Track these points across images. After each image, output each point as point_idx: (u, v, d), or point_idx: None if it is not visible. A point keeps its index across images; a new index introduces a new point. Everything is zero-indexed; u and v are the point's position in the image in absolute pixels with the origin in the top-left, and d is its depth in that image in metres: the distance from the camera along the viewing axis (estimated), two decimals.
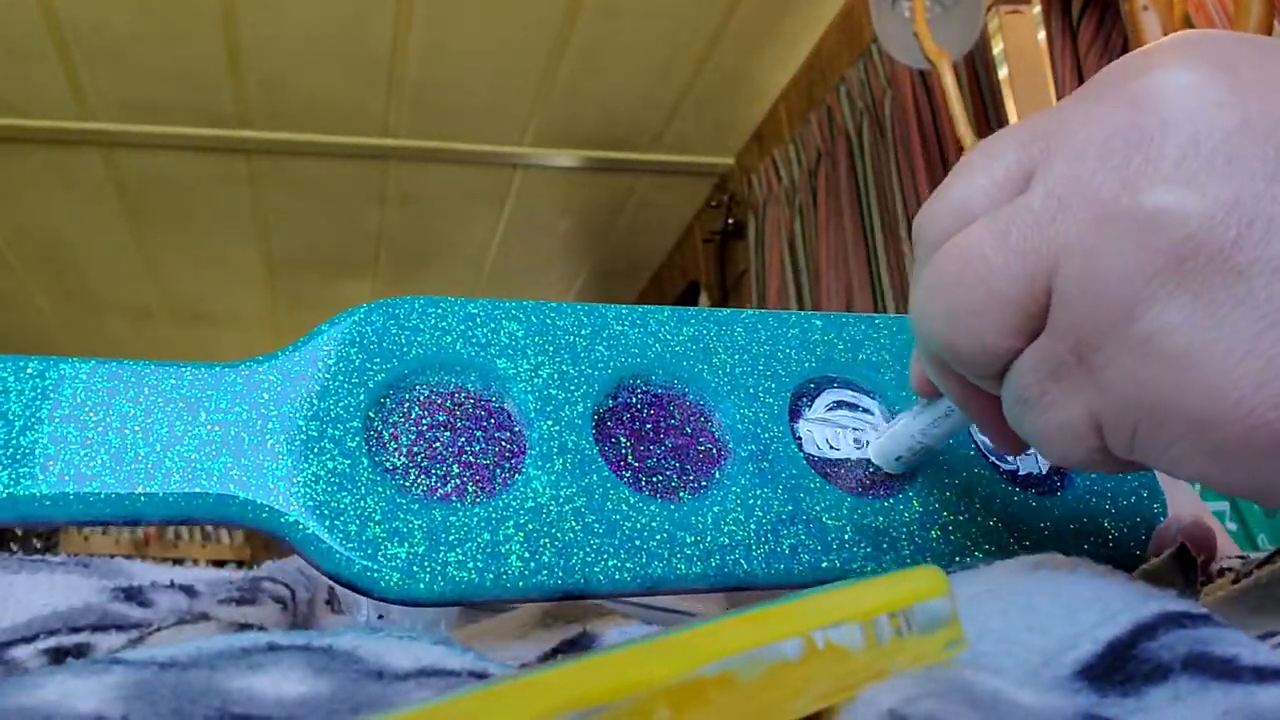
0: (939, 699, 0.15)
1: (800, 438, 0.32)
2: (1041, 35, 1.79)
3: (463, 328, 0.30)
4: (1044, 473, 0.34)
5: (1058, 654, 0.18)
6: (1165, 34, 1.35)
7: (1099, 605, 0.19)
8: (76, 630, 0.26)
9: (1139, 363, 0.20)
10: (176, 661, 0.17)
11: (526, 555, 0.27)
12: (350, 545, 0.26)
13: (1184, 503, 0.37)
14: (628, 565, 0.27)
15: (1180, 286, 0.20)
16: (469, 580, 0.26)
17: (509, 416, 0.29)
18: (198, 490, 0.26)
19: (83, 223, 3.10)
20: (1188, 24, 1.43)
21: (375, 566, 0.26)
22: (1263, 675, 0.16)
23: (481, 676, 0.18)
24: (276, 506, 0.26)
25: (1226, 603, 0.27)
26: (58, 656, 0.25)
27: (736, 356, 0.32)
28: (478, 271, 3.34)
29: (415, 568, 0.26)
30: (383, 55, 2.38)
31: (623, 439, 0.30)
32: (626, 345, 0.31)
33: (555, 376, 0.30)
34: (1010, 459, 0.34)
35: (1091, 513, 0.33)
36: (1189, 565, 0.29)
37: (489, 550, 0.26)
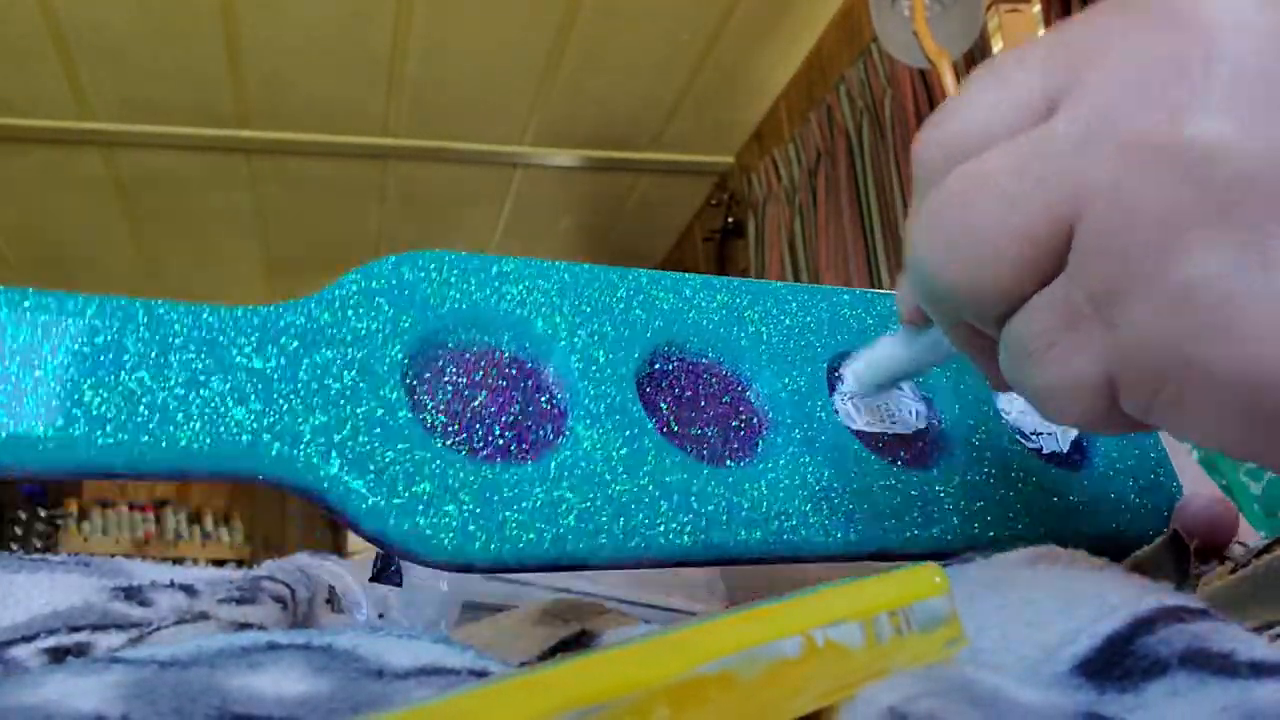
0: (939, 697, 0.15)
1: (836, 410, 0.31)
2: (1041, 33, 1.79)
3: (496, 284, 0.28)
4: (1065, 450, 0.34)
5: (1056, 649, 0.18)
6: None
7: (1097, 600, 0.19)
8: (76, 629, 0.26)
9: (1172, 316, 0.18)
10: (177, 660, 0.17)
11: (584, 515, 0.25)
12: (399, 503, 0.24)
13: (1194, 480, 0.37)
14: (688, 530, 0.26)
15: (1226, 231, 0.17)
16: (528, 541, 0.24)
17: (546, 378, 0.28)
18: (225, 438, 0.23)
19: (82, 222, 3.10)
20: None
21: (427, 526, 0.23)
22: (1260, 670, 0.16)
23: (481, 675, 0.18)
24: (314, 460, 0.24)
25: (1224, 592, 0.27)
26: (58, 656, 0.25)
27: (771, 327, 0.32)
28: None
29: (472, 527, 0.24)
30: (383, 55, 2.38)
31: (664, 406, 0.29)
32: (663, 310, 0.30)
33: (595, 338, 0.29)
34: (1033, 437, 0.34)
35: (1115, 489, 0.33)
36: (1182, 552, 0.29)
37: (546, 511, 0.25)
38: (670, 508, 0.26)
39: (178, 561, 0.35)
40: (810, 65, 2.52)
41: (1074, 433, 0.35)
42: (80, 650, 0.25)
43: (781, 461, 0.29)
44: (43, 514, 4.86)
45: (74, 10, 2.14)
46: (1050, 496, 0.32)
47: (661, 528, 0.26)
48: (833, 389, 0.32)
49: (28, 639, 0.25)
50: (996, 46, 1.91)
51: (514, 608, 0.31)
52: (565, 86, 2.54)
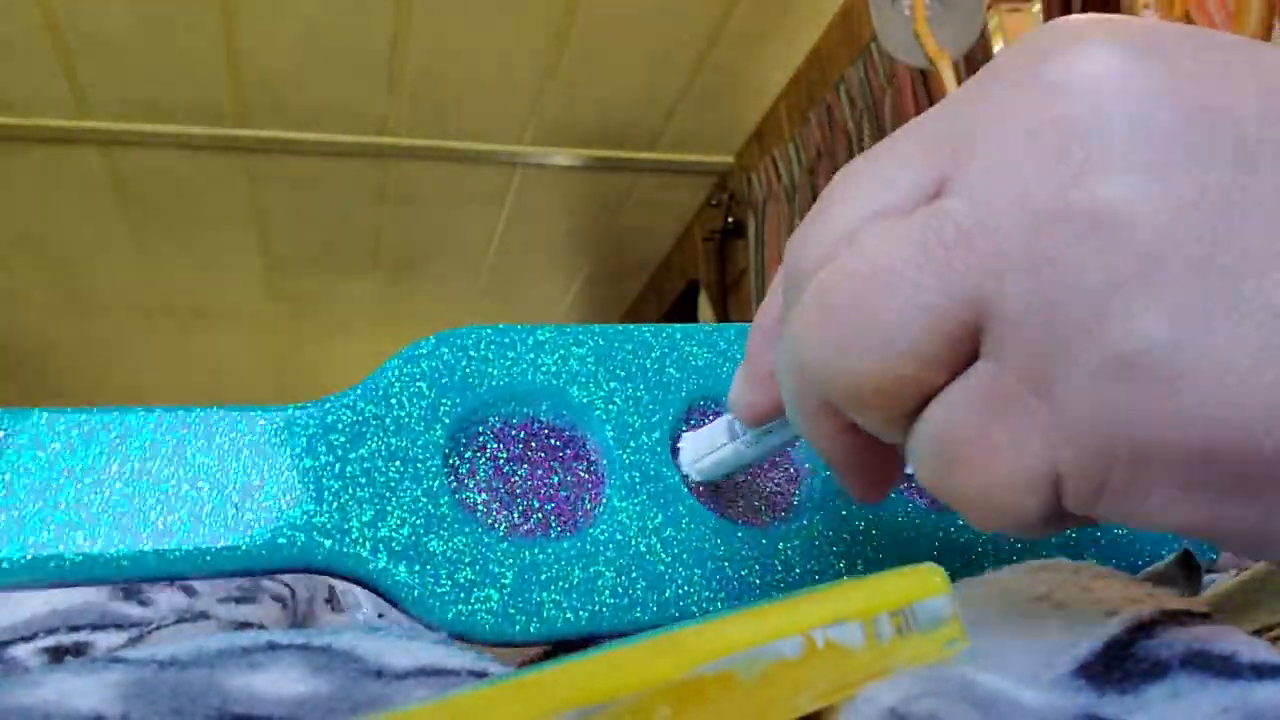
0: (940, 698, 0.15)
1: None
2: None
3: (531, 356, 0.29)
4: None
5: (1056, 654, 0.18)
6: None
7: (1097, 606, 0.19)
8: (76, 629, 0.26)
9: (1115, 388, 0.17)
10: (176, 660, 0.17)
11: (620, 590, 0.26)
12: (442, 591, 0.25)
13: None
14: (721, 596, 0.27)
15: (1156, 295, 0.16)
16: (564, 619, 0.25)
17: (584, 445, 0.29)
18: (281, 541, 0.24)
19: (81, 221, 3.10)
20: (1188, 23, 1.43)
21: (469, 612, 0.25)
22: (1261, 672, 0.16)
23: (481, 675, 0.18)
24: (363, 554, 0.25)
25: (1225, 596, 0.27)
26: (57, 655, 0.25)
27: None
28: (477, 270, 3.34)
29: (510, 610, 0.25)
30: (382, 53, 2.38)
31: None
32: (697, 366, 0.30)
33: (630, 403, 0.29)
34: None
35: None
36: (1194, 570, 0.29)
37: (582, 588, 0.26)
38: (704, 575, 0.27)
39: None
40: (810, 65, 2.52)
41: None
42: (79, 650, 0.25)
43: (819, 517, 0.28)
44: None
45: (73, 9, 2.14)
46: (919, 540, 0.31)
47: (695, 596, 0.26)
48: None
49: (27, 638, 0.25)
50: (997, 46, 1.91)
51: None
52: (565, 86, 2.54)
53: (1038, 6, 1.80)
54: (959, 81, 1.74)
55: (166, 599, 0.30)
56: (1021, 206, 0.17)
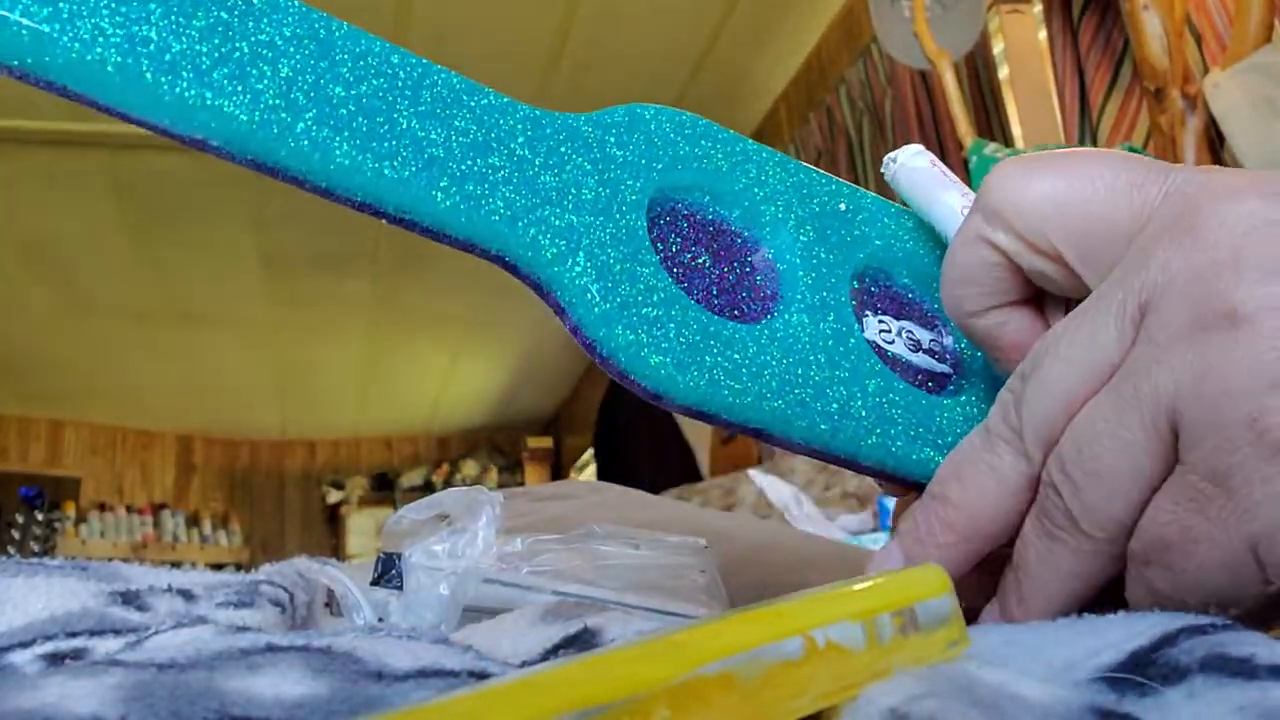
0: (941, 698, 0.15)
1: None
2: (1042, 35, 1.79)
3: (738, 160, 0.30)
4: None
5: (1081, 661, 0.18)
6: (1166, 34, 1.35)
7: (1128, 622, 0.19)
8: (74, 635, 0.26)
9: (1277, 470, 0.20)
10: (175, 663, 0.17)
11: (786, 385, 0.27)
12: (628, 316, 0.25)
13: None
14: (875, 431, 0.27)
15: None
16: (730, 389, 0.26)
17: (761, 259, 0.29)
18: (486, 212, 0.25)
19: (81, 222, 3.11)
20: (1188, 24, 1.43)
21: (647, 343, 0.25)
22: (1278, 673, 0.16)
23: (481, 677, 0.18)
24: (562, 253, 0.25)
25: None
26: (55, 661, 0.25)
27: None
28: (477, 271, 3.34)
29: (686, 359, 0.25)
30: None
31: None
32: (883, 232, 0.31)
33: (818, 235, 0.30)
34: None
35: None
36: None
37: (752, 368, 0.26)
38: (864, 407, 0.27)
39: (176, 565, 0.35)
40: (810, 66, 2.52)
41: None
42: (78, 656, 0.25)
43: (975, 397, 0.30)
44: (40, 517, 4.86)
45: None
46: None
47: (852, 424, 0.27)
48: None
49: (25, 644, 0.25)
50: (997, 48, 1.91)
51: (515, 608, 0.31)
52: (564, 87, 2.55)
53: (1038, 8, 1.81)
54: (959, 82, 1.75)
55: (165, 604, 0.30)
56: (1181, 331, 0.21)
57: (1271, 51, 1.22)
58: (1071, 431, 0.23)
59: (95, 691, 0.15)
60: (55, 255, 3.34)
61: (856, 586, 0.17)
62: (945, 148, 1.97)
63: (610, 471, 4.05)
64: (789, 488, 1.41)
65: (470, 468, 5.66)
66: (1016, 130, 1.85)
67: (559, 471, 5.41)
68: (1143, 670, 0.17)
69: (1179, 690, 0.17)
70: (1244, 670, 0.16)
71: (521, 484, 5.11)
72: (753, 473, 1.58)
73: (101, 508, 5.14)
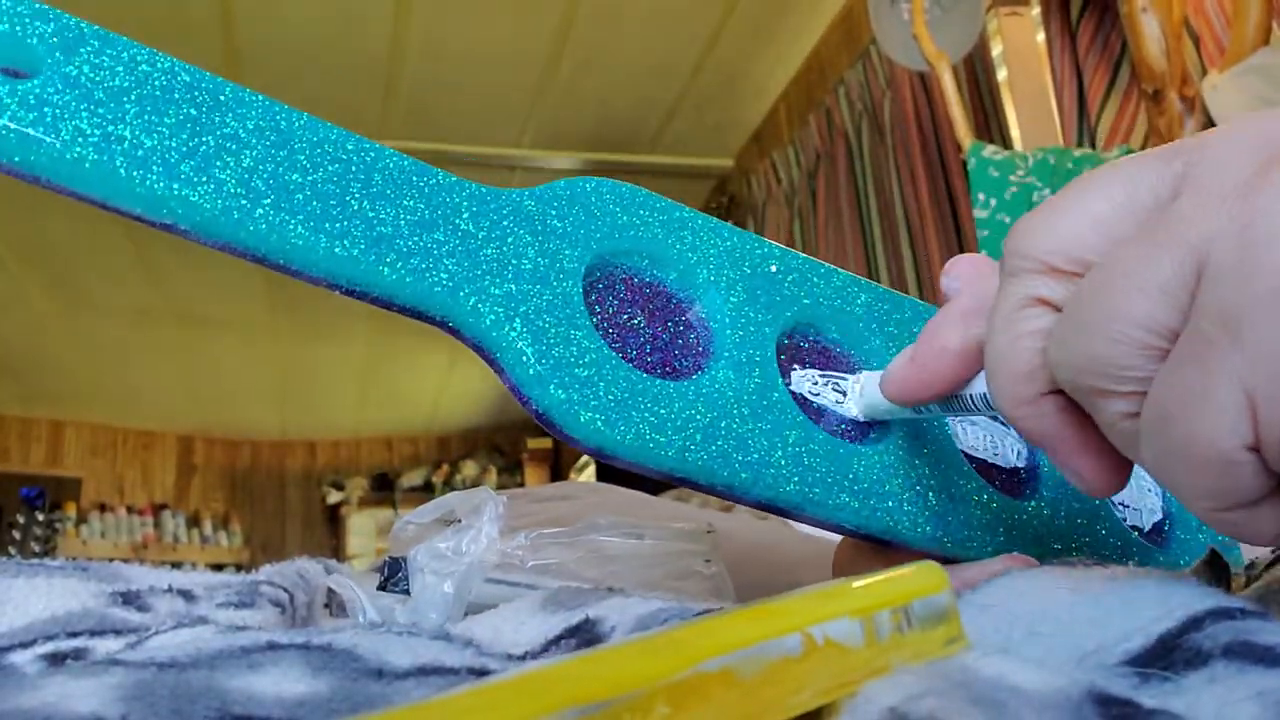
0: (939, 696, 0.15)
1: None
2: (1041, 37, 1.79)
3: (674, 227, 0.31)
4: (1146, 529, 0.35)
5: (1111, 645, 0.18)
6: (1164, 36, 1.35)
7: (1161, 605, 0.19)
8: (74, 635, 0.26)
9: None
10: (176, 662, 0.17)
11: (710, 438, 0.28)
12: (559, 376, 0.27)
13: None
14: (794, 480, 0.29)
15: None
16: (658, 444, 0.27)
17: (695, 317, 0.31)
18: (431, 281, 0.26)
19: (81, 225, 3.10)
20: (1187, 26, 1.43)
21: (578, 402, 0.27)
22: None
23: (481, 673, 0.18)
24: (501, 318, 0.27)
25: None
26: (56, 661, 0.25)
27: (906, 338, 0.33)
28: None
29: (615, 416, 0.27)
30: (380, 58, 2.38)
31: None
32: (811, 291, 0.33)
33: (748, 296, 0.31)
34: (1119, 508, 0.35)
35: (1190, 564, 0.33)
36: (1222, 571, 0.29)
37: (678, 423, 0.28)
38: (783, 457, 0.29)
39: (176, 565, 0.35)
40: (809, 67, 2.52)
41: (1159, 514, 0.36)
42: (78, 656, 0.25)
43: (893, 447, 0.31)
44: (41, 517, 4.85)
45: (70, 12, 2.15)
46: (1124, 559, 0.33)
47: (772, 472, 0.29)
48: None
49: (25, 645, 0.25)
50: (996, 50, 1.91)
51: (515, 603, 0.31)
52: (564, 89, 2.55)
53: (1036, 10, 1.81)
54: (957, 84, 1.75)
55: (165, 604, 0.30)
56: (1231, 187, 0.20)
57: (1269, 54, 1.22)
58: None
59: (96, 691, 0.15)
60: (55, 255, 3.34)
61: (855, 584, 0.17)
62: (944, 149, 1.97)
63: (610, 472, 4.05)
64: None
65: (470, 468, 5.66)
66: (1015, 132, 1.85)
67: (558, 472, 5.40)
68: (1168, 656, 0.17)
69: (1200, 675, 0.17)
70: (1268, 657, 0.16)
71: (521, 485, 5.11)
72: None
73: (102, 508, 5.13)
